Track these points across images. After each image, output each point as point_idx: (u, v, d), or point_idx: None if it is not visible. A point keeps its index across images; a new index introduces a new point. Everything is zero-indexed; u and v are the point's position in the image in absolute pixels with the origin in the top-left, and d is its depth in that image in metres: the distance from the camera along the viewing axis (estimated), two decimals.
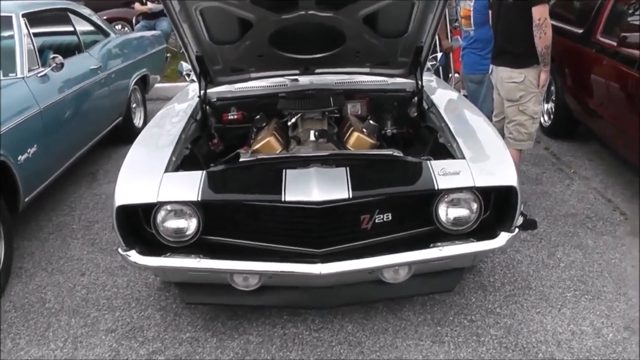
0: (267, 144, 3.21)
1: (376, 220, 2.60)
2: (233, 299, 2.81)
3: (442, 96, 3.61)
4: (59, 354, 2.91)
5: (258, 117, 3.59)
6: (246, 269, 2.56)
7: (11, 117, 3.57)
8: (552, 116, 5.45)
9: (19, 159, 3.59)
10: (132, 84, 5.81)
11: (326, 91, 3.52)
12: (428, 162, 2.67)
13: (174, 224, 2.64)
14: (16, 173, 3.54)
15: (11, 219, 3.59)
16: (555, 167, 4.92)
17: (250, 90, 3.88)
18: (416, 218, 2.69)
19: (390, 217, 2.62)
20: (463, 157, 2.70)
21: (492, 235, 2.65)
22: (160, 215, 2.63)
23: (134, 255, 2.64)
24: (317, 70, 3.64)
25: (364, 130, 3.28)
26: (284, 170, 2.59)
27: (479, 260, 2.93)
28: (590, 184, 4.57)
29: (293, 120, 3.41)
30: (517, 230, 2.67)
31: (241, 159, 2.85)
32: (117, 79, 5.48)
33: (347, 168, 2.59)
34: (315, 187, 2.48)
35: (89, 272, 3.62)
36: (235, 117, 3.71)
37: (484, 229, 2.70)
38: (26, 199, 3.77)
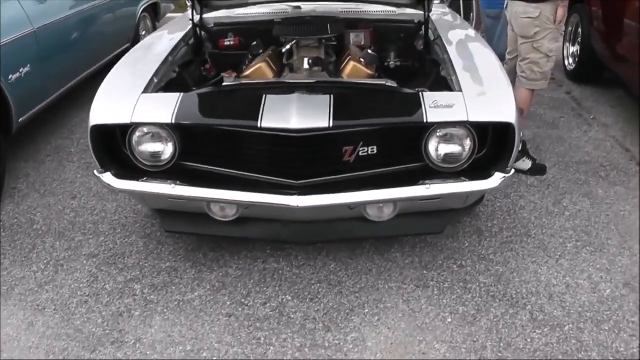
0: (258, 70, 3.04)
1: (360, 154, 2.44)
2: (212, 229, 2.72)
3: (452, 30, 3.36)
4: (40, 276, 2.87)
5: (255, 43, 3.40)
6: (221, 198, 2.45)
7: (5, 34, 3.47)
8: (577, 59, 5.11)
9: (10, 77, 3.49)
10: (141, 10, 5.64)
11: (325, 18, 3.29)
12: (420, 93, 2.47)
13: (149, 147, 2.53)
14: (6, 92, 3.46)
15: (2, 139, 3.52)
16: (575, 113, 4.64)
17: (250, 16, 3.68)
18: (404, 153, 2.52)
19: (375, 151, 2.45)
20: (460, 90, 2.49)
21: (486, 175, 2.47)
22: (136, 138, 2.52)
23: (108, 178, 2.55)
24: None
25: (362, 60, 3.06)
26: (264, 96, 2.43)
27: (471, 201, 2.77)
28: (609, 132, 4.30)
29: (287, 47, 3.21)
30: (512, 171, 2.49)
31: (224, 83, 2.70)
32: (125, 5, 5.30)
33: (332, 96, 2.42)
34: (294, 114, 2.32)
35: (80, 196, 3.57)
36: (232, 43, 3.53)
37: (478, 169, 2.52)
38: (20, 120, 3.71)
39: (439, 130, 2.43)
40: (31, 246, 3.12)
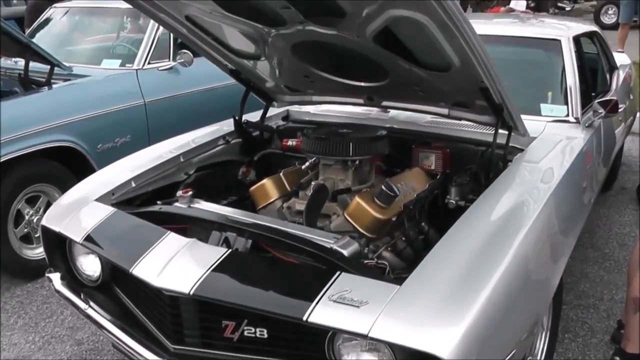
0: (261, 188, 2.61)
1: (245, 333, 1.85)
2: None
3: (534, 170, 2.44)
4: (25, 349, 2.91)
5: None
6: (109, 330, 2.13)
7: (95, 107, 3.67)
8: None
9: (98, 147, 3.66)
10: None
11: (361, 133, 2.65)
12: (340, 274, 1.75)
13: (82, 260, 2.36)
14: (91, 160, 3.62)
15: None
16: None
17: (329, 115, 3.24)
18: (305, 349, 1.83)
19: (265, 335, 1.84)
20: (401, 282, 1.70)
21: None
22: (72, 248, 2.36)
23: (54, 278, 2.43)
24: (384, 103, 2.86)
25: (376, 198, 2.36)
26: (167, 234, 2.03)
27: None
28: None
29: (307, 164, 2.68)
30: None
31: (175, 204, 2.35)
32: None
33: (228, 252, 1.90)
34: (164, 266, 1.87)
35: None
36: (294, 144, 3.11)
37: None
38: None
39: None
40: (49, 313, 3.20)
